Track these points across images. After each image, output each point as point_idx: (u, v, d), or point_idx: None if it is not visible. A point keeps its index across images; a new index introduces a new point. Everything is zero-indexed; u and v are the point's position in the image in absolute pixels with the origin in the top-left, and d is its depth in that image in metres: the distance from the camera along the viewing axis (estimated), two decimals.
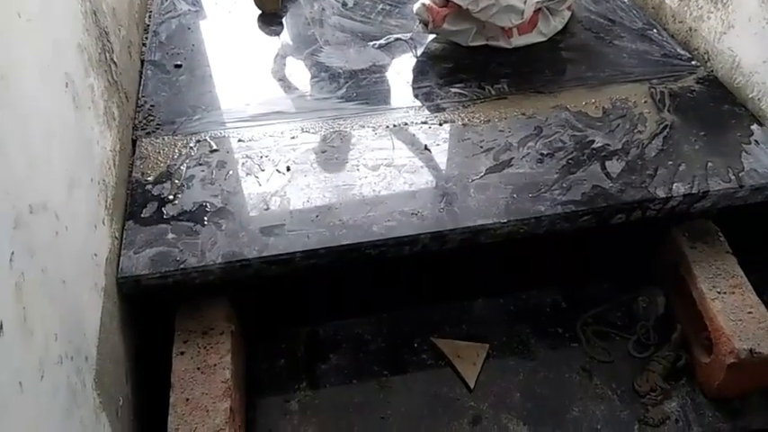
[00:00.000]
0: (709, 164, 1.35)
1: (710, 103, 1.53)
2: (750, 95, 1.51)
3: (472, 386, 1.27)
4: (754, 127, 1.45)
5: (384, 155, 1.41)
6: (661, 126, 1.45)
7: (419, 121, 1.50)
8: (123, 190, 1.30)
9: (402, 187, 1.33)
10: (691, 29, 1.71)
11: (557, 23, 1.75)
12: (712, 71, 1.62)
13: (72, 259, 0.93)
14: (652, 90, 1.56)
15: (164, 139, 1.44)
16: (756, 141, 1.41)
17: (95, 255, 1.04)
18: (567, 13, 1.78)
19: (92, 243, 1.04)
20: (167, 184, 1.32)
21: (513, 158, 1.39)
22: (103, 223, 1.12)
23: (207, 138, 1.45)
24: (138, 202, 1.28)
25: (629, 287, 1.42)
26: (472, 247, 1.28)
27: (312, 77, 1.67)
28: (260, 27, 1.89)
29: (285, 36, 1.85)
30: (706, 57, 1.65)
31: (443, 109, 1.54)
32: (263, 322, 1.35)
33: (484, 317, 1.40)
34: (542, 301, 1.44)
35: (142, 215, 1.25)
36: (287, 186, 1.33)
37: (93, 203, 1.09)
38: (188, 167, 1.37)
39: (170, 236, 1.21)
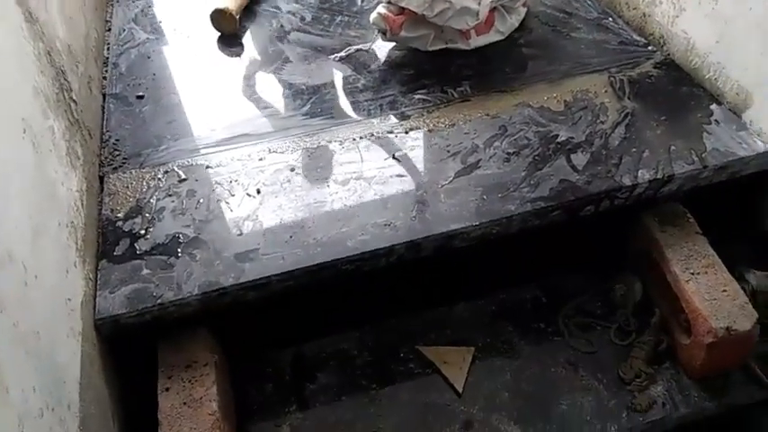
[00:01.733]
0: (672, 147, 1.37)
1: (669, 86, 1.55)
2: (707, 76, 1.53)
3: (461, 391, 1.28)
4: (713, 107, 1.47)
5: (353, 168, 1.42)
6: (622, 114, 1.47)
7: (385, 131, 1.51)
8: (94, 229, 1.29)
9: (373, 199, 1.34)
10: (645, 14, 1.74)
11: (513, 21, 1.76)
12: (669, 55, 1.64)
13: (45, 308, 0.93)
14: (611, 79, 1.58)
15: (131, 172, 1.44)
16: (716, 121, 1.44)
17: (69, 299, 1.04)
18: (523, 10, 1.80)
19: (64, 288, 1.03)
20: (138, 219, 1.32)
21: (480, 160, 1.40)
22: (75, 266, 1.11)
23: (174, 167, 1.44)
24: (109, 240, 1.28)
25: (606, 275, 1.44)
26: (448, 252, 1.29)
27: (276, 96, 1.67)
28: (220, 49, 1.88)
29: (246, 56, 1.85)
30: (662, 41, 1.68)
31: (408, 116, 1.55)
32: (247, 348, 1.35)
33: (467, 320, 1.41)
34: (522, 297, 1.45)
35: (115, 253, 1.25)
36: (258, 209, 1.33)
37: (63, 247, 1.08)
38: (158, 199, 1.36)
39: (145, 271, 1.20)
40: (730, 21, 1.43)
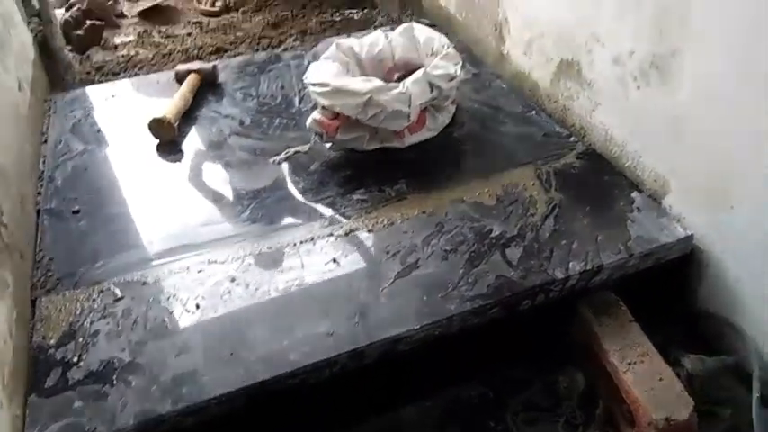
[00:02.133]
0: (599, 237, 1.43)
1: (592, 176, 1.63)
2: (626, 164, 1.63)
3: None
4: (635, 194, 1.55)
5: (294, 275, 1.42)
6: (550, 206, 1.54)
7: (325, 234, 1.53)
8: (24, 359, 1.24)
9: (315, 307, 1.34)
10: (564, 107, 1.84)
11: (444, 118, 1.84)
12: (590, 145, 1.74)
13: None
14: (538, 171, 1.66)
15: (65, 294, 1.40)
16: (638, 208, 1.51)
17: None
18: (452, 107, 1.89)
19: None
20: (71, 345, 1.28)
21: (419, 259, 1.43)
22: (1, 406, 1.06)
23: (110, 286, 1.42)
24: (40, 371, 1.23)
25: (550, 367, 1.45)
26: (392, 356, 1.29)
27: (216, 203, 1.68)
28: (159, 157, 1.89)
29: (186, 163, 1.86)
30: (582, 132, 1.78)
31: (348, 218, 1.58)
32: None
33: (415, 424, 1.39)
34: (470, 395, 1.44)
35: (46, 385, 1.20)
36: (197, 326, 1.31)
37: None
38: (92, 322, 1.33)
39: (77, 404, 1.16)
40: (641, 114, 1.54)
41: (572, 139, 1.77)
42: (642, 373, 1.24)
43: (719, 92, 1.30)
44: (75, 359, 1.24)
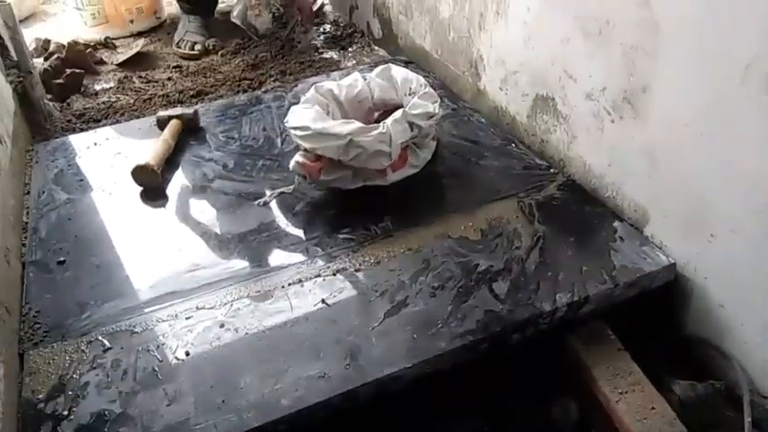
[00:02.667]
0: (584, 268, 1.46)
1: (574, 206, 1.67)
2: (606, 195, 1.66)
3: None
4: (616, 224, 1.58)
5: (283, 318, 1.42)
6: (535, 238, 1.56)
7: (313, 275, 1.53)
8: (13, 416, 1.22)
9: (305, 349, 1.34)
10: (543, 140, 1.89)
11: (425, 155, 1.87)
12: (570, 176, 1.78)
13: None
14: (521, 204, 1.69)
15: (53, 346, 1.39)
16: (621, 237, 1.54)
17: None
18: (433, 143, 1.92)
19: None
20: (61, 399, 1.26)
21: (407, 297, 1.44)
22: None
23: (99, 336, 1.40)
24: (30, 426, 1.21)
25: (544, 397, 1.46)
26: (385, 395, 1.29)
27: (202, 248, 1.68)
28: (144, 203, 1.89)
29: (170, 209, 1.86)
30: (561, 164, 1.82)
31: (335, 257, 1.59)
32: None
33: None
34: (465, 429, 1.44)
35: None
36: (187, 374, 1.30)
37: None
38: (81, 374, 1.31)
39: None
40: (616, 147, 1.58)
41: (552, 170, 1.81)
42: (634, 402, 1.25)
43: (690, 124, 1.35)
44: (66, 412, 1.23)
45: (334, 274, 1.53)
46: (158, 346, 1.37)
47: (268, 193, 1.85)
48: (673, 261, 1.46)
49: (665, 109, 1.41)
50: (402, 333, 1.35)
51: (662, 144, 1.44)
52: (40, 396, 1.27)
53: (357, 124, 1.70)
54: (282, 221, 1.75)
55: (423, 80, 1.90)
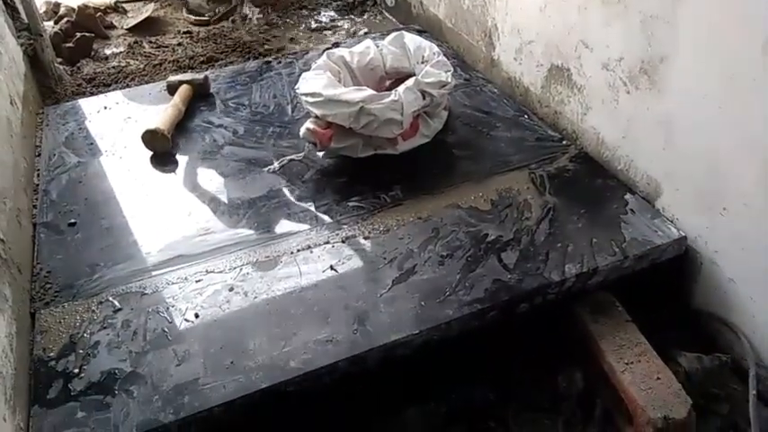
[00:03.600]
0: (594, 240, 1.45)
1: (586, 179, 1.65)
2: (619, 167, 1.65)
3: None
4: (628, 196, 1.57)
5: (292, 283, 1.43)
6: (545, 210, 1.55)
7: (322, 242, 1.54)
8: (25, 372, 1.24)
9: (313, 314, 1.34)
10: (556, 112, 1.87)
11: (437, 124, 1.86)
12: (582, 148, 1.76)
13: None
14: (532, 175, 1.68)
15: (64, 306, 1.40)
16: (632, 210, 1.53)
17: None
18: (445, 113, 1.91)
19: None
20: (72, 357, 1.28)
21: (416, 265, 1.44)
22: (4, 419, 1.06)
23: (109, 297, 1.42)
24: (42, 383, 1.23)
25: (550, 367, 1.46)
26: (392, 361, 1.30)
27: (212, 213, 1.68)
28: (154, 168, 1.89)
29: (180, 173, 1.86)
30: (574, 136, 1.80)
31: (344, 225, 1.59)
32: None
33: (418, 426, 1.40)
34: (471, 397, 1.45)
35: (48, 397, 1.20)
36: (197, 335, 1.31)
37: None
38: (92, 333, 1.33)
39: (79, 415, 1.16)
40: (632, 118, 1.56)
41: (564, 142, 1.79)
42: (640, 372, 1.25)
43: (708, 96, 1.32)
44: (77, 371, 1.24)
45: (343, 242, 1.53)
46: (168, 308, 1.38)
47: (278, 160, 1.84)
48: (683, 234, 1.45)
49: (682, 80, 1.39)
50: (410, 300, 1.35)
51: (678, 116, 1.42)
52: (52, 354, 1.29)
53: (369, 91, 1.69)
54: (292, 188, 1.74)
55: (436, 48, 1.88)
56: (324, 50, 2.02)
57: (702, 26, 1.30)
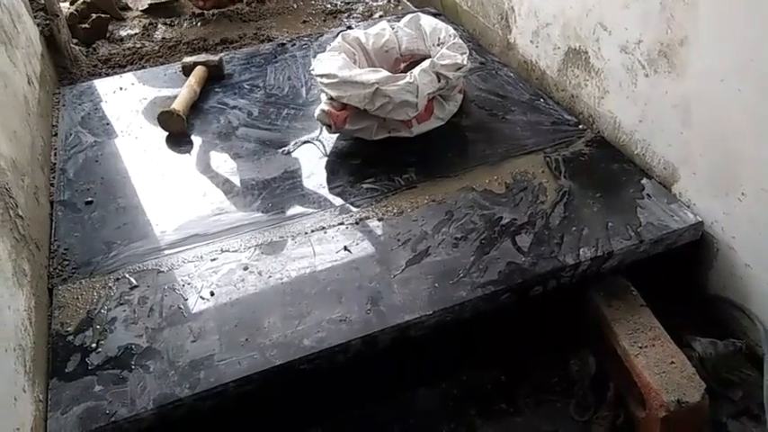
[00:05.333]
0: (610, 224, 1.45)
1: (602, 163, 1.64)
2: (635, 152, 1.63)
3: None
4: (644, 181, 1.56)
5: (306, 263, 1.44)
6: (560, 193, 1.55)
7: (336, 223, 1.54)
8: (43, 346, 1.26)
9: (327, 294, 1.35)
10: (573, 96, 1.85)
11: (451, 107, 1.85)
12: (598, 133, 1.75)
13: None
14: (547, 159, 1.67)
15: (81, 282, 1.42)
16: (648, 195, 1.52)
17: (18, 429, 1.00)
18: (460, 96, 1.89)
19: (12, 418, 1.00)
20: (89, 332, 1.30)
21: (429, 247, 1.44)
22: (24, 390, 1.08)
23: (126, 274, 1.43)
24: (60, 357, 1.25)
25: (562, 350, 1.47)
26: (405, 341, 1.31)
27: (227, 193, 1.69)
28: (169, 148, 1.90)
29: (195, 154, 1.87)
30: (590, 120, 1.79)
31: (358, 206, 1.59)
32: None
33: (429, 406, 1.41)
34: (482, 379, 1.46)
35: (66, 370, 1.22)
36: (212, 313, 1.32)
37: (11, 374, 1.05)
38: (109, 309, 1.34)
39: (97, 388, 1.18)
40: (649, 102, 1.54)
41: (580, 126, 1.78)
42: (654, 356, 1.25)
43: (728, 79, 1.31)
44: (94, 345, 1.26)
45: (357, 223, 1.54)
46: (184, 286, 1.39)
47: (292, 141, 1.84)
48: (700, 219, 1.44)
49: (701, 63, 1.37)
50: (423, 281, 1.36)
51: (696, 99, 1.41)
52: (69, 329, 1.31)
53: (384, 73, 1.68)
54: (306, 170, 1.75)
55: (452, 30, 1.86)
56: (338, 32, 2.01)
57: (723, 8, 1.28)
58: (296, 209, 1.61)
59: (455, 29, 1.93)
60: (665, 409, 1.18)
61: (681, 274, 1.52)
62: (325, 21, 2.88)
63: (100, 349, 1.26)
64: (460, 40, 1.83)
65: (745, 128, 1.30)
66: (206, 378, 1.18)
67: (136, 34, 2.87)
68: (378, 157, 1.75)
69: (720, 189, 1.40)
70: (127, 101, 2.14)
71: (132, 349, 1.25)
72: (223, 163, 1.81)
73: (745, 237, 1.38)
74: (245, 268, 1.43)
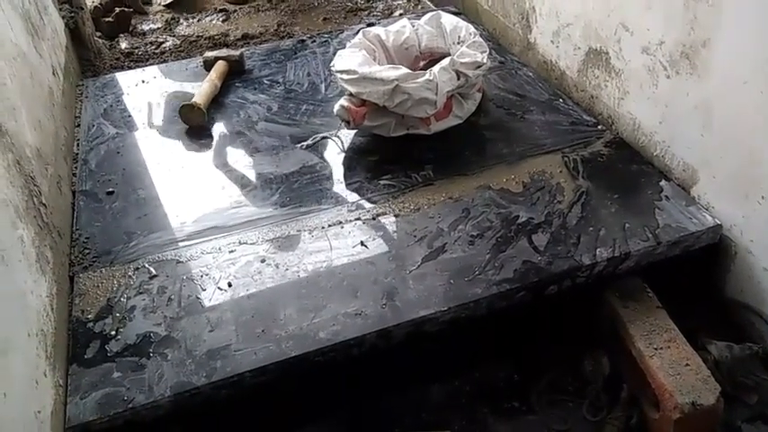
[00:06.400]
0: (627, 225, 1.44)
1: (620, 164, 1.64)
2: (655, 154, 1.63)
3: None
4: (663, 183, 1.55)
5: (323, 257, 1.45)
6: (578, 193, 1.54)
7: (353, 218, 1.55)
8: (64, 332, 1.28)
9: (343, 288, 1.36)
10: (592, 96, 1.85)
11: (470, 106, 1.85)
12: (618, 134, 1.74)
13: (12, 426, 0.92)
14: (565, 159, 1.66)
15: (101, 271, 1.44)
16: (666, 197, 1.51)
17: (39, 412, 1.02)
18: (479, 95, 1.90)
19: (33, 401, 1.02)
20: (109, 319, 1.32)
21: (446, 244, 1.45)
22: (45, 375, 1.10)
23: (145, 264, 1.45)
24: (80, 343, 1.27)
25: (576, 350, 1.46)
26: (419, 336, 1.31)
27: (245, 186, 1.71)
28: (189, 142, 1.93)
29: (215, 147, 1.89)
30: (610, 121, 1.78)
31: (375, 202, 1.60)
32: None
33: (442, 402, 1.42)
34: (496, 376, 1.46)
35: (86, 356, 1.24)
36: (230, 303, 1.34)
37: (33, 358, 1.07)
38: (128, 298, 1.37)
39: (116, 374, 1.20)
40: (670, 104, 1.54)
41: (599, 127, 1.78)
42: (669, 358, 1.25)
43: (751, 82, 1.30)
44: (113, 333, 1.28)
45: (374, 219, 1.55)
46: (202, 276, 1.41)
47: (311, 137, 1.85)
48: (718, 222, 1.43)
49: (724, 65, 1.36)
50: (439, 278, 1.36)
51: (718, 102, 1.40)
52: (90, 316, 1.33)
53: (404, 70, 1.69)
54: (324, 165, 1.76)
55: (472, 29, 1.87)
56: (358, 30, 2.02)
57: (747, 10, 1.27)
58: (313, 203, 1.62)
59: (475, 28, 1.93)
60: (679, 410, 1.17)
61: (698, 276, 1.51)
62: (345, 18, 2.89)
63: (119, 337, 1.28)
64: (480, 39, 1.84)
65: (766, 131, 1.29)
66: (222, 367, 1.20)
67: (158, 29, 2.90)
68: (395, 154, 1.75)
69: (740, 192, 1.39)
70: (148, 94, 2.17)
71: (151, 337, 1.27)
72: (242, 157, 1.83)
73: (763, 241, 1.37)
74: (263, 261, 1.45)
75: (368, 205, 1.59)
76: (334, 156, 1.79)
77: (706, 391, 1.19)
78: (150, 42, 2.76)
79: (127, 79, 2.28)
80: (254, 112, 2.02)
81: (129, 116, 2.05)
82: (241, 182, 1.73)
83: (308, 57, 2.31)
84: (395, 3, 3.04)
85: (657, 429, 1.26)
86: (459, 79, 1.72)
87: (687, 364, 1.24)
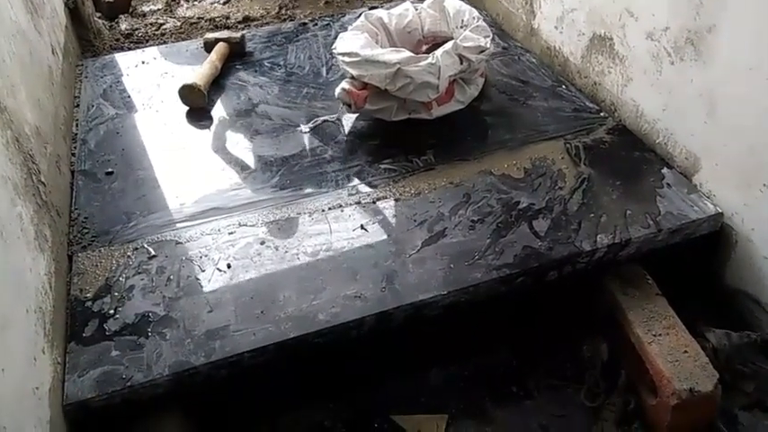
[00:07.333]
0: (628, 212, 1.44)
1: (622, 151, 1.63)
2: (657, 141, 1.62)
3: None
4: (665, 170, 1.55)
5: (322, 240, 1.44)
6: (579, 180, 1.54)
7: (353, 202, 1.54)
8: (62, 310, 1.28)
9: (343, 270, 1.36)
10: (595, 83, 1.83)
11: (472, 91, 1.84)
12: (620, 121, 1.73)
13: (11, 401, 0.92)
14: (567, 145, 1.66)
15: (100, 250, 1.44)
16: (668, 184, 1.51)
17: (37, 388, 1.02)
18: (481, 80, 1.89)
19: (32, 377, 1.02)
20: (107, 298, 1.31)
21: (446, 228, 1.44)
22: (43, 352, 1.10)
23: (144, 244, 1.45)
24: (78, 322, 1.27)
25: (575, 336, 1.46)
26: (418, 320, 1.31)
27: (245, 169, 1.70)
28: (189, 123, 1.91)
29: (215, 129, 1.88)
30: (613, 108, 1.77)
31: (375, 186, 1.59)
32: (221, 425, 1.33)
33: (440, 386, 1.42)
34: (494, 362, 1.46)
35: (84, 334, 1.24)
36: (229, 284, 1.34)
37: (31, 335, 1.07)
38: (127, 278, 1.36)
39: (114, 353, 1.20)
40: (674, 90, 1.53)
41: (602, 114, 1.77)
42: (667, 344, 1.25)
43: (756, 68, 1.29)
44: (112, 312, 1.28)
45: (374, 202, 1.54)
46: (201, 257, 1.41)
47: (311, 120, 1.84)
48: (720, 210, 1.43)
49: (729, 51, 1.35)
50: (439, 262, 1.36)
51: (722, 89, 1.39)
52: (88, 295, 1.33)
53: (406, 53, 1.68)
54: (325, 149, 1.75)
55: (476, 13, 1.85)
56: (361, 13, 2.01)
57: None
58: (313, 186, 1.61)
59: (479, 13, 1.92)
60: (677, 397, 1.17)
61: (698, 264, 1.51)
62: (347, 1, 2.86)
63: (117, 316, 1.28)
64: (484, 23, 1.82)
65: None
66: (221, 347, 1.20)
67: (158, 10, 2.87)
68: (397, 138, 1.75)
69: (742, 181, 1.39)
70: (148, 75, 2.15)
71: (149, 317, 1.27)
72: (242, 139, 1.82)
73: (764, 229, 1.37)
74: (262, 242, 1.44)
75: (368, 189, 1.58)
76: (335, 139, 1.78)
77: (704, 378, 1.19)
78: (150, 23, 2.73)
79: (126, 60, 2.26)
80: (255, 95, 2.00)
81: (129, 97, 2.03)
82: (241, 164, 1.72)
83: (310, 40, 2.29)
84: None
85: (655, 415, 1.27)
86: (461, 64, 1.71)
87: (685, 351, 1.24)
